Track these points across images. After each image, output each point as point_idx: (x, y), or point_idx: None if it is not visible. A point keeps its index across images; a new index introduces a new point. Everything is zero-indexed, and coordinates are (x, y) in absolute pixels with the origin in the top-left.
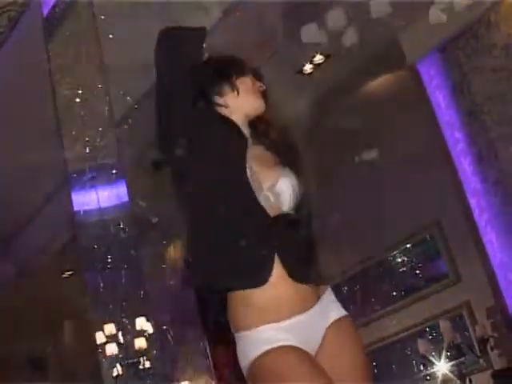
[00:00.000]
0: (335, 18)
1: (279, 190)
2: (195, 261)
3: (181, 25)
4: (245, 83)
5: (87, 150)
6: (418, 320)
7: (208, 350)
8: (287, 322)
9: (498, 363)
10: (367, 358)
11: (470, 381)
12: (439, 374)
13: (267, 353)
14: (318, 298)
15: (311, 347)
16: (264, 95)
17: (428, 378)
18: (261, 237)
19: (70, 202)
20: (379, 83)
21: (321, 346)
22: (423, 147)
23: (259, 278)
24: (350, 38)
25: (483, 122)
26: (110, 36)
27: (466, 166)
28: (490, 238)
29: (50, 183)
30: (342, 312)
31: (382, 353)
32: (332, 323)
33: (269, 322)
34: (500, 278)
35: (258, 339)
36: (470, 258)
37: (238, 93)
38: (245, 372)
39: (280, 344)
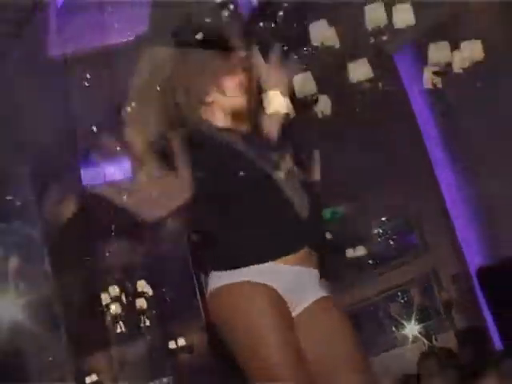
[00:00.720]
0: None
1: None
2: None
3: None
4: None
5: (94, 129)
6: (391, 285)
7: (201, 308)
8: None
9: (461, 324)
10: (354, 343)
11: (436, 339)
12: (409, 335)
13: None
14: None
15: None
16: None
17: (398, 338)
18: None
19: (79, 176)
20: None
21: (299, 317)
22: (403, 142)
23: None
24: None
25: (457, 122)
26: (116, 25)
27: (439, 157)
28: (457, 214)
29: (61, 159)
30: (325, 292)
31: (358, 315)
32: (316, 300)
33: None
34: (465, 249)
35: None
36: (438, 231)
37: None
38: (210, 297)
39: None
